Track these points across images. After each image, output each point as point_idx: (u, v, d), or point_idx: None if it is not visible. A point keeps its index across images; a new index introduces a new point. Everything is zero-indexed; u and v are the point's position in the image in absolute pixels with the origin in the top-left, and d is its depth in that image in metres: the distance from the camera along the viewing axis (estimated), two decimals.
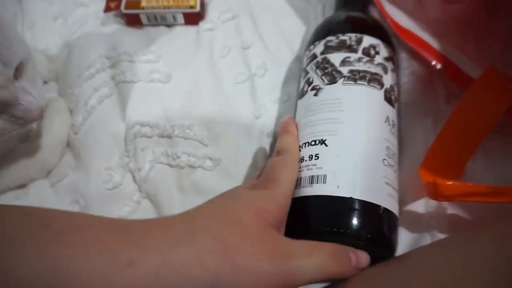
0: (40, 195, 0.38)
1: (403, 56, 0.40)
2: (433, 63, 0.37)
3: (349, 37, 0.35)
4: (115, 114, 0.41)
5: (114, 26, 0.46)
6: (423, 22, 0.40)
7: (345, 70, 0.33)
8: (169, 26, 0.47)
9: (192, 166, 0.38)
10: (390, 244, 0.29)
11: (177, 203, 0.36)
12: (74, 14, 0.49)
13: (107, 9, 0.45)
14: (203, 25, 0.47)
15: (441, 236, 0.31)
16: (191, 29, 0.47)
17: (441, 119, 0.36)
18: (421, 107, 0.37)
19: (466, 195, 0.28)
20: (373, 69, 0.33)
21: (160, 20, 0.46)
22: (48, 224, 0.21)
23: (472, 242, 0.25)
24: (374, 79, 0.33)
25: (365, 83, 0.32)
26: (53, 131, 0.40)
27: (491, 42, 0.38)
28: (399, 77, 0.39)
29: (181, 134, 0.39)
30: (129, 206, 0.37)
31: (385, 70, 0.34)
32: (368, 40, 0.35)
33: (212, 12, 0.47)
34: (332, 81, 0.33)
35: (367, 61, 0.33)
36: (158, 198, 0.37)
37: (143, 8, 0.45)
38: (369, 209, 0.28)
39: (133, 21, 0.46)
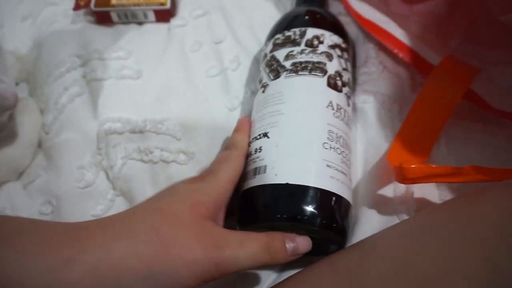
0: (12, 197, 0.38)
1: (370, 47, 0.41)
2: (396, 51, 0.38)
3: (294, 32, 0.36)
4: (86, 112, 0.41)
5: (84, 25, 0.46)
6: (386, 15, 0.41)
7: (288, 63, 0.34)
8: (140, 23, 0.47)
9: (165, 161, 0.38)
10: (330, 225, 0.29)
11: None
12: (44, 13, 0.48)
13: (77, 7, 0.45)
14: (174, 21, 0.47)
15: None
16: (162, 26, 0.46)
17: (406, 106, 0.37)
18: (388, 96, 0.38)
19: (430, 177, 0.29)
20: (315, 58, 0.34)
21: (130, 18, 0.46)
22: None
23: (428, 219, 0.26)
24: (316, 68, 0.34)
25: (307, 73, 0.33)
26: (24, 131, 0.39)
27: (451, 34, 0.40)
28: (355, 63, 0.40)
29: (153, 129, 0.39)
30: (103, 205, 0.37)
31: (329, 57, 0.35)
32: (311, 32, 0.36)
33: (183, 9, 0.47)
34: (277, 76, 0.34)
35: (309, 52, 0.35)
36: (132, 194, 0.37)
37: (113, 6, 0.45)
38: (305, 192, 0.28)
39: (103, 19, 0.45)
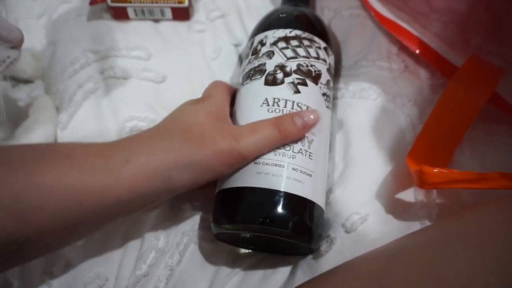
0: None
1: (393, 42, 0.39)
2: (417, 51, 0.37)
3: (247, 45, 0.38)
4: (102, 109, 0.40)
5: (99, 21, 0.45)
6: (406, 13, 0.39)
7: (240, 77, 0.36)
8: (156, 21, 0.46)
9: None
10: (285, 224, 0.29)
11: None
12: (58, 10, 0.47)
13: (93, 1, 0.44)
14: (193, 25, 0.45)
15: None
16: (179, 25, 0.45)
17: (426, 108, 0.35)
18: (408, 98, 0.36)
19: (452, 182, 0.28)
20: (256, 63, 0.35)
21: (147, 15, 0.45)
22: (54, 149, 0.29)
23: (457, 226, 0.25)
24: (256, 72, 0.34)
25: (249, 80, 0.34)
26: (40, 128, 0.38)
27: (473, 32, 0.38)
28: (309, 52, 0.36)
29: None
30: None
31: (270, 55, 0.34)
32: (257, 39, 0.37)
33: (200, 10, 0.46)
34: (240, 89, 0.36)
35: (253, 59, 0.35)
36: None
37: (130, 2, 0.44)
38: (243, 194, 0.30)
39: (119, 15, 0.45)
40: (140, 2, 0.44)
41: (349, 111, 0.37)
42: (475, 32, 0.38)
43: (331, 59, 0.37)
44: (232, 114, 0.34)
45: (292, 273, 0.32)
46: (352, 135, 0.36)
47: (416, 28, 0.38)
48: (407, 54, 0.38)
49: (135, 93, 0.41)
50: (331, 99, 0.35)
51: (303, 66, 0.34)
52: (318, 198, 0.30)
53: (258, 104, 0.32)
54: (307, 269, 0.31)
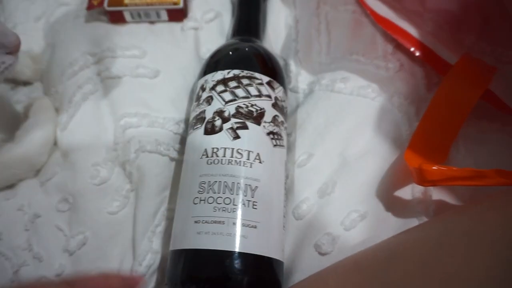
0: (30, 194, 0.37)
1: (388, 41, 0.39)
2: (412, 49, 0.37)
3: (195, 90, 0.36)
4: (101, 110, 0.39)
5: (97, 24, 0.44)
6: (400, 12, 0.39)
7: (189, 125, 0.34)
8: (152, 22, 0.45)
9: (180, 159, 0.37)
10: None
11: None
12: (56, 13, 0.46)
13: (90, 6, 0.43)
14: (187, 22, 0.45)
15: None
16: (175, 26, 0.45)
17: (423, 107, 0.35)
18: (405, 96, 0.36)
19: (451, 180, 0.28)
20: (198, 110, 0.33)
21: (144, 17, 0.44)
22: None
23: (456, 221, 0.25)
24: (198, 121, 0.32)
25: (192, 130, 0.32)
26: (40, 129, 0.38)
27: (465, 32, 0.38)
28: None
29: (171, 127, 0.38)
30: (118, 201, 0.36)
31: (209, 101, 0.32)
32: (199, 84, 0.35)
33: (195, 10, 0.46)
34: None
35: (195, 106, 0.33)
36: (145, 186, 0.35)
37: (126, 5, 0.43)
38: (186, 256, 0.28)
39: (116, 18, 0.44)
40: (136, 5, 0.43)
41: (348, 109, 0.36)
42: (467, 32, 0.38)
43: (278, 92, 0.33)
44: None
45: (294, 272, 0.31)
46: (351, 133, 0.35)
47: (411, 27, 0.38)
48: (403, 53, 0.38)
49: (129, 90, 0.40)
50: (281, 136, 0.32)
51: (242, 108, 0.31)
52: (268, 250, 0.28)
53: (198, 156, 0.30)
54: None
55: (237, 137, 0.30)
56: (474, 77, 0.33)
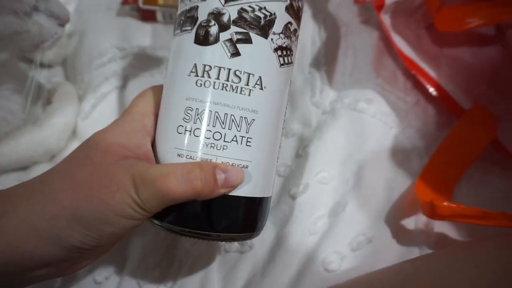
0: None
1: (410, 76, 0.41)
2: (430, 90, 0.39)
3: None
4: (125, 104, 0.39)
5: (128, 20, 0.44)
6: (422, 54, 0.41)
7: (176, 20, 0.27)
8: None
9: None
10: (216, 230, 0.24)
11: None
12: (88, 1, 0.46)
13: (125, 1, 0.43)
14: None
15: (429, 251, 0.33)
16: None
17: (432, 143, 0.37)
18: (417, 132, 0.38)
19: (460, 217, 0.29)
20: (188, 4, 0.25)
21: (174, 19, 0.45)
22: None
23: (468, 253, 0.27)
24: (187, 19, 0.25)
25: (179, 31, 0.25)
26: (62, 115, 0.38)
27: (477, 80, 0.40)
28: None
29: None
30: None
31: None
32: None
33: None
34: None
35: None
36: None
37: (160, 5, 0.43)
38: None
39: (148, 17, 0.44)
40: (169, 7, 0.43)
41: (369, 131, 0.36)
42: (478, 81, 0.40)
43: None
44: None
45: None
46: (367, 156, 0.36)
47: (430, 69, 0.40)
48: (419, 90, 0.40)
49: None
50: (291, 50, 0.26)
51: (247, 11, 0.24)
52: (258, 190, 0.25)
53: (185, 72, 0.24)
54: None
55: (236, 53, 0.24)
56: (481, 125, 0.35)
